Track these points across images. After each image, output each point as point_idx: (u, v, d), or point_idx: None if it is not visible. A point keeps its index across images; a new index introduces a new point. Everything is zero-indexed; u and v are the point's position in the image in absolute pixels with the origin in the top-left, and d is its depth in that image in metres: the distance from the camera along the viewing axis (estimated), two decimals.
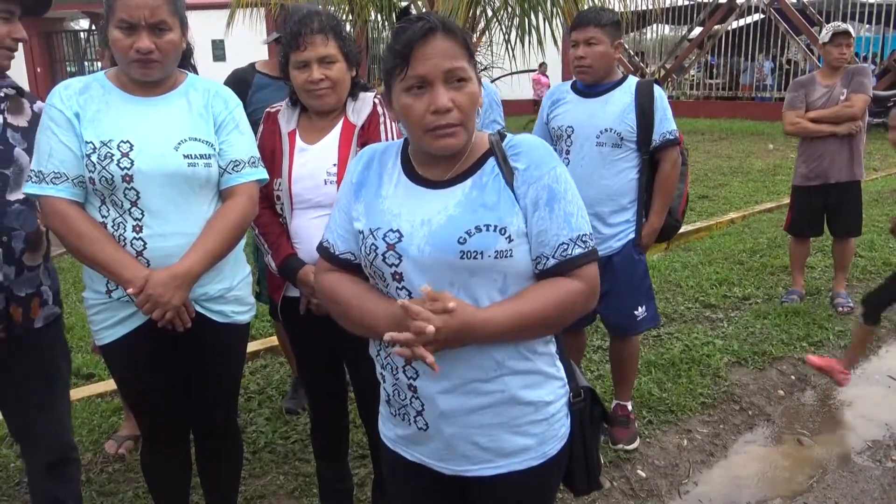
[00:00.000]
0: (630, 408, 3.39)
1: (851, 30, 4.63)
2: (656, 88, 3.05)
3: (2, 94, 2.10)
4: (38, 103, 2.16)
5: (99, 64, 2.83)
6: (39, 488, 2.28)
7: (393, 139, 2.28)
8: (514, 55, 7.13)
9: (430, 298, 1.36)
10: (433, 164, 1.50)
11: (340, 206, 1.60)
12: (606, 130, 3.00)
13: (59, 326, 2.29)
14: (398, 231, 1.47)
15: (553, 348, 1.59)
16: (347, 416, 2.70)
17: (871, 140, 12.86)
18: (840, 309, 4.82)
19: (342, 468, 2.71)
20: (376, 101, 2.35)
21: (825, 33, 4.66)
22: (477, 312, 1.41)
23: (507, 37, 7.22)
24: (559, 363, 1.60)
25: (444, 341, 1.36)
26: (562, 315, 1.46)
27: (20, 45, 2.11)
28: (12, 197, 2.05)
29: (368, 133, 2.32)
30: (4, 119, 2.08)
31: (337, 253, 1.59)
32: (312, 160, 2.32)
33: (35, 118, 2.11)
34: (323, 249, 1.62)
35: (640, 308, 3.17)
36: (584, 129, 3.04)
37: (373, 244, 1.49)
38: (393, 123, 2.33)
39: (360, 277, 1.57)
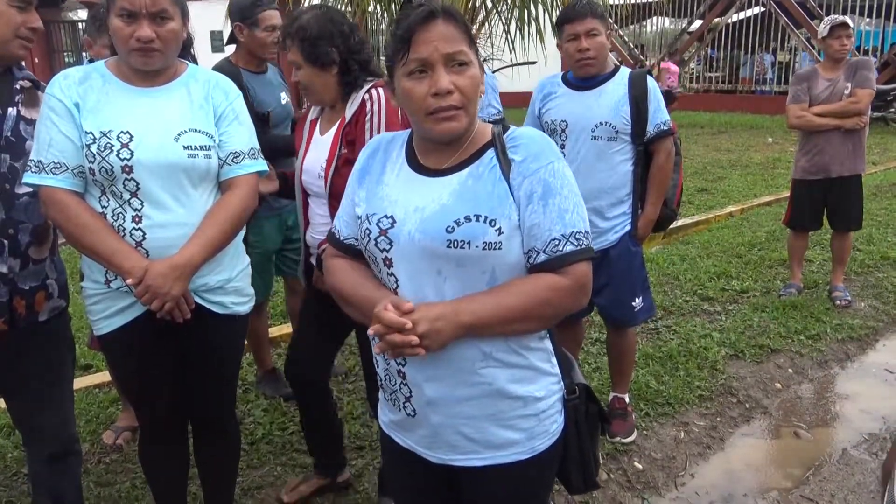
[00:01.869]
0: (627, 400, 3.39)
1: (849, 21, 4.61)
2: (649, 79, 3.04)
3: (18, 87, 2.08)
4: None
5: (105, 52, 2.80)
6: (40, 480, 2.28)
7: (379, 132, 2.28)
8: (513, 47, 7.11)
9: (402, 311, 1.37)
10: (434, 153, 1.51)
11: (347, 192, 1.63)
12: (602, 124, 2.98)
13: (64, 319, 2.27)
14: (392, 217, 1.48)
15: (548, 344, 1.58)
16: (335, 412, 2.81)
17: (870, 134, 12.83)
18: (838, 302, 4.83)
19: (337, 459, 2.85)
20: (366, 97, 2.34)
21: (823, 27, 4.64)
22: (445, 305, 1.40)
23: (506, 28, 7.20)
24: (554, 359, 1.59)
25: (426, 347, 1.37)
26: (546, 311, 1.45)
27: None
28: (21, 190, 2.04)
29: (355, 130, 2.33)
30: (18, 112, 2.07)
31: (341, 238, 1.62)
32: (316, 151, 2.40)
33: None
34: (330, 235, 1.65)
35: (637, 299, 3.18)
36: (579, 122, 3.02)
37: (367, 229, 1.51)
38: (380, 120, 2.31)
39: (364, 264, 1.58)
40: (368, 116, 2.32)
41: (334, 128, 2.38)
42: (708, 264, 5.64)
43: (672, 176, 3.14)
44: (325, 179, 2.34)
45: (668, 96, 16.43)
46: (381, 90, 2.35)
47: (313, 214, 2.48)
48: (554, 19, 7.30)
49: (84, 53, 3.07)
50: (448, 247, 1.41)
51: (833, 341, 4.34)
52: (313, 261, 2.51)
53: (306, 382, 2.70)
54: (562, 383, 1.60)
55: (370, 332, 1.40)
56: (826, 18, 4.71)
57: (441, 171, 1.49)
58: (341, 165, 2.31)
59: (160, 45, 1.95)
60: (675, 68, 15.97)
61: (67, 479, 2.30)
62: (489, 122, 1.67)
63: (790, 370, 4.01)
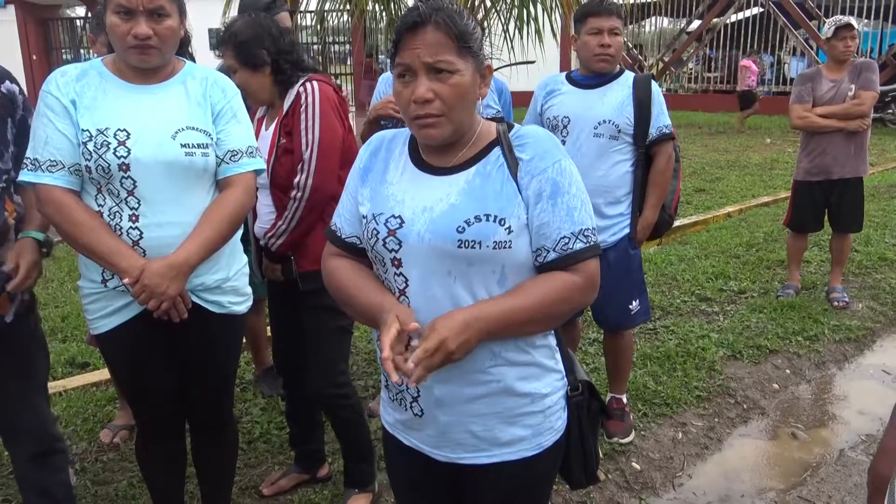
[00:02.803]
0: (625, 401, 3.39)
1: (854, 22, 4.60)
2: (653, 83, 3.06)
3: None
4: (7, 84, 2.07)
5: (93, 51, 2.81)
6: (26, 479, 2.24)
7: (312, 125, 2.39)
8: (512, 46, 7.11)
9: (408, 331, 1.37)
10: (438, 151, 1.51)
11: (348, 190, 1.62)
12: (605, 122, 3.00)
13: (33, 318, 2.22)
14: (400, 217, 1.48)
15: (552, 341, 1.59)
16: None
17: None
18: (836, 303, 4.82)
19: (316, 453, 2.97)
20: (301, 89, 2.45)
21: (828, 28, 4.62)
22: (465, 312, 1.39)
23: (505, 28, 7.19)
24: (558, 356, 1.60)
25: (445, 357, 1.35)
26: (559, 309, 1.47)
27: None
28: None
29: (292, 121, 2.44)
30: None
31: (343, 236, 1.60)
32: (261, 145, 2.52)
33: (3, 99, 2.04)
34: (330, 233, 1.64)
35: (634, 302, 3.18)
36: (582, 119, 3.04)
37: (374, 229, 1.50)
38: (314, 111, 2.41)
39: (366, 262, 1.58)
40: (304, 108, 2.42)
41: (276, 122, 2.51)
42: (706, 265, 5.65)
43: (671, 182, 3.15)
44: (266, 170, 2.44)
45: (750, 97, 15.16)
46: (315, 83, 2.45)
47: (259, 206, 2.58)
48: (552, 20, 7.32)
49: (82, 51, 3.07)
50: (459, 247, 1.42)
51: (830, 342, 4.34)
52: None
53: (288, 369, 2.83)
54: (565, 380, 1.62)
55: (410, 364, 1.34)
56: (831, 19, 4.69)
57: (447, 170, 1.49)
58: (280, 155, 2.47)
59: (157, 42, 1.94)
60: (755, 67, 15.07)
61: (54, 477, 2.27)
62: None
63: (788, 371, 4.01)
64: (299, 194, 2.40)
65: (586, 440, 1.67)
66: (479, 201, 1.44)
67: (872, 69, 4.68)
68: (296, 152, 2.43)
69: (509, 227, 1.43)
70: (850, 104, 4.59)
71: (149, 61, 1.97)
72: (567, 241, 1.45)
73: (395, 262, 1.48)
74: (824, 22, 4.87)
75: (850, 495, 2.95)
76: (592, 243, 1.48)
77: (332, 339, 2.60)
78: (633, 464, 3.12)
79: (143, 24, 1.90)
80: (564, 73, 3.21)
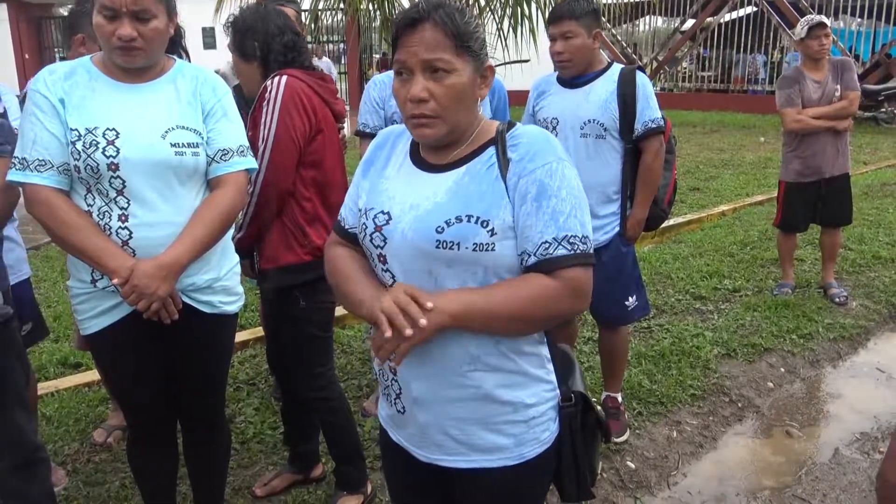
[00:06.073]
0: (620, 399, 3.39)
1: (826, 20, 4.61)
2: (639, 75, 3.00)
3: None
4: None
5: (83, 50, 2.78)
6: (7, 488, 2.20)
7: (270, 119, 2.37)
8: (506, 45, 7.10)
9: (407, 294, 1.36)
10: (436, 149, 1.50)
11: (354, 181, 1.62)
12: (590, 121, 2.97)
13: (10, 328, 2.16)
14: (388, 213, 1.47)
15: (543, 350, 1.55)
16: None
17: (861, 134, 12.83)
18: (837, 300, 4.83)
19: (310, 453, 2.93)
20: (268, 83, 2.43)
21: (801, 28, 4.62)
22: (435, 297, 1.39)
23: (499, 26, 7.18)
24: (549, 366, 1.56)
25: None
26: (535, 312, 1.40)
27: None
28: None
29: (258, 114, 2.42)
30: None
31: (346, 226, 1.61)
32: None
33: None
34: (336, 222, 1.65)
35: (630, 298, 3.17)
36: (569, 120, 3.02)
37: (364, 223, 1.51)
38: (275, 104, 2.38)
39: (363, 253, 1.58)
40: (266, 101, 2.40)
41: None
42: (700, 263, 5.65)
43: (664, 174, 3.13)
44: None
45: None
46: (284, 77, 2.42)
47: None
48: (547, 17, 7.32)
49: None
50: (437, 247, 1.39)
51: (825, 340, 4.35)
52: None
53: (278, 370, 2.83)
54: (557, 391, 1.57)
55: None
56: (803, 19, 4.69)
57: (440, 167, 1.48)
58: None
59: (142, 43, 1.92)
60: None
61: (37, 487, 2.22)
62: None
63: (782, 369, 4.01)
64: (251, 188, 2.36)
65: (578, 454, 1.59)
66: (463, 201, 1.41)
67: (852, 68, 4.77)
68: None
69: (492, 230, 1.39)
70: (841, 106, 4.65)
71: (133, 62, 1.95)
72: (548, 245, 1.39)
73: (381, 259, 1.48)
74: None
75: (844, 493, 2.95)
76: (579, 251, 1.41)
77: (305, 346, 2.60)
78: (628, 462, 3.12)
79: (127, 26, 1.88)
80: (555, 74, 3.18)
